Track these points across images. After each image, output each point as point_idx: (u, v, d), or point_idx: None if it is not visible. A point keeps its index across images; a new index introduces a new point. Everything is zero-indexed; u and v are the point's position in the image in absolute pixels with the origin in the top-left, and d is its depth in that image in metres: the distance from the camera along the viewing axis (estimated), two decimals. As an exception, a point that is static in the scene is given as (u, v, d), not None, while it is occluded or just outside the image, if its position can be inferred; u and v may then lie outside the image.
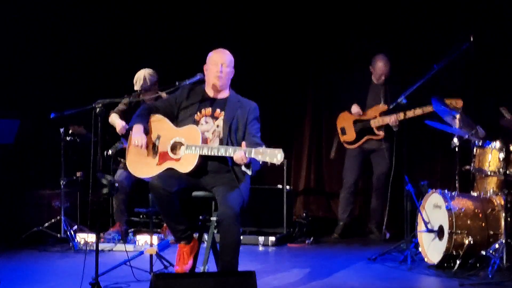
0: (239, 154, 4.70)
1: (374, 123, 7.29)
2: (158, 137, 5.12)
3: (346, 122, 7.46)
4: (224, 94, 5.14)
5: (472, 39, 6.06)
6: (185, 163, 4.92)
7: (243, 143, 4.78)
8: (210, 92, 5.13)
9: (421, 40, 7.63)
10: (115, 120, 6.75)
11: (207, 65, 5.11)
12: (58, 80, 7.82)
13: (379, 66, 7.34)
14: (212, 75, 5.05)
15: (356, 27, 7.95)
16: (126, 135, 5.49)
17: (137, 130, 5.05)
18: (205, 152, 4.84)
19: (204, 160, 4.90)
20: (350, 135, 7.43)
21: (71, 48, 8.01)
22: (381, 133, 7.28)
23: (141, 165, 5.14)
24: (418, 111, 6.86)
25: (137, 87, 6.81)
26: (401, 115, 6.83)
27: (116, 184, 6.36)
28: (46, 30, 7.84)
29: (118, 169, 6.89)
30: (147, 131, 5.08)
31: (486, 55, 6.99)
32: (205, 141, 4.94)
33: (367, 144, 7.42)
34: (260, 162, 4.70)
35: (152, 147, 5.13)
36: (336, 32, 8.09)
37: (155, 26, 8.33)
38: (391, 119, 7.09)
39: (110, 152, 6.63)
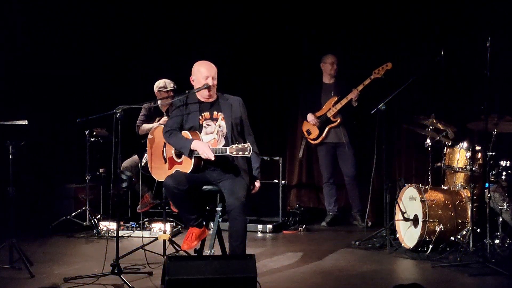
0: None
1: (329, 113, 7.19)
2: (164, 146, 5.19)
3: (309, 125, 7.38)
4: (214, 97, 5.04)
5: (443, 53, 6.00)
6: (186, 165, 4.94)
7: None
8: (202, 99, 5.03)
9: (400, 56, 7.46)
10: (146, 127, 6.71)
11: (196, 77, 4.99)
12: (84, 90, 7.83)
13: (330, 64, 7.28)
14: (204, 87, 4.94)
15: (338, 51, 7.73)
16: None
17: (197, 145, 4.79)
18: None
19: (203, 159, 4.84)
20: (314, 133, 7.33)
21: (96, 62, 7.97)
22: (338, 119, 7.19)
23: (159, 171, 5.25)
24: (369, 79, 6.85)
25: (162, 87, 6.79)
26: (359, 88, 6.90)
27: (134, 179, 6.45)
28: (74, 49, 7.81)
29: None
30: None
31: (455, 68, 6.96)
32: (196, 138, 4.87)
33: (330, 138, 7.29)
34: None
35: (162, 155, 5.22)
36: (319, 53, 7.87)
37: (160, 33, 8.27)
38: (352, 94, 6.98)
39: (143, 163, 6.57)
